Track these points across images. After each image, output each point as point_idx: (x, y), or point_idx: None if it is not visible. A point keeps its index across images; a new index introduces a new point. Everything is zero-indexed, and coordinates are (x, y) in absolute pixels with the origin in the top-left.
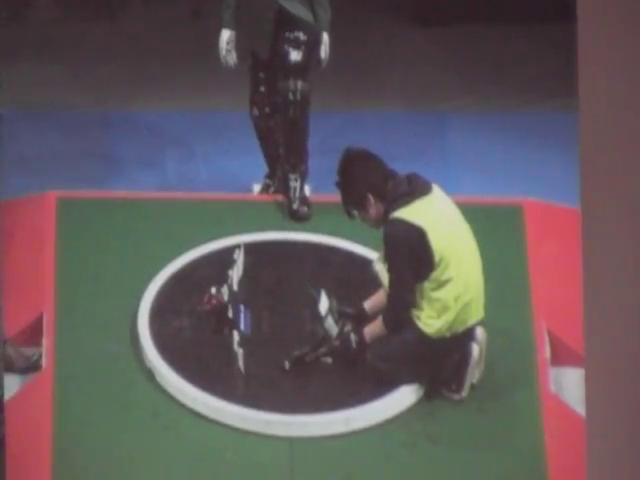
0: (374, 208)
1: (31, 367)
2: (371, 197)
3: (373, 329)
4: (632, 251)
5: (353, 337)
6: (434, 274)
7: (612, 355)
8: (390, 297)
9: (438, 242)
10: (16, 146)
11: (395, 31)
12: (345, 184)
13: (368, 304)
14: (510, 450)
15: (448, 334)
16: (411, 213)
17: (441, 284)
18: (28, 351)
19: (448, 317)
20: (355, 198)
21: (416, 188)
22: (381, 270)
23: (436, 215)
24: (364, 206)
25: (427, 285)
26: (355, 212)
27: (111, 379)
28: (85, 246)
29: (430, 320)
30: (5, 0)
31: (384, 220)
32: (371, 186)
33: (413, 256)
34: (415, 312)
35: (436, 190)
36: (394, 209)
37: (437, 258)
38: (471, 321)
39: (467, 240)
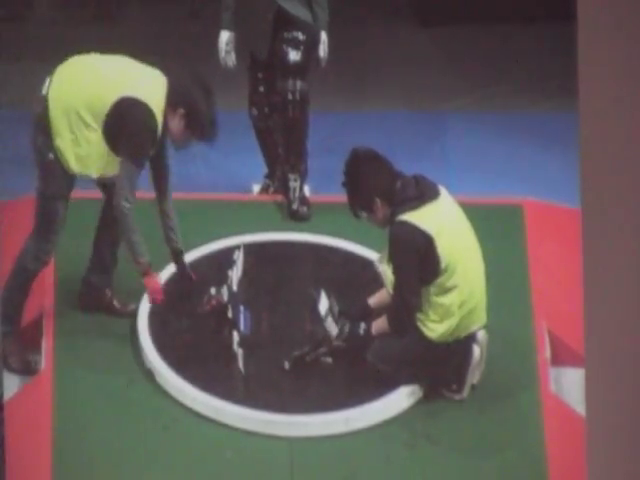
0: (381, 211)
1: (27, 371)
2: (378, 200)
3: (380, 324)
4: (632, 251)
5: (362, 325)
6: (439, 280)
7: (612, 355)
8: (395, 299)
9: (445, 249)
10: (16, 146)
11: (395, 31)
12: (352, 186)
13: (372, 300)
14: (510, 450)
15: (451, 339)
16: (419, 218)
17: (446, 290)
18: (29, 354)
19: (451, 323)
20: (362, 200)
21: (424, 192)
22: (384, 271)
23: (444, 221)
24: (371, 208)
25: (432, 290)
26: (362, 213)
27: (111, 379)
28: (85, 246)
29: (433, 325)
30: (5, 0)
31: (391, 221)
32: (378, 189)
33: (419, 260)
34: (418, 316)
35: (443, 194)
36: (402, 211)
37: (443, 265)
38: (474, 327)
39: (473, 247)
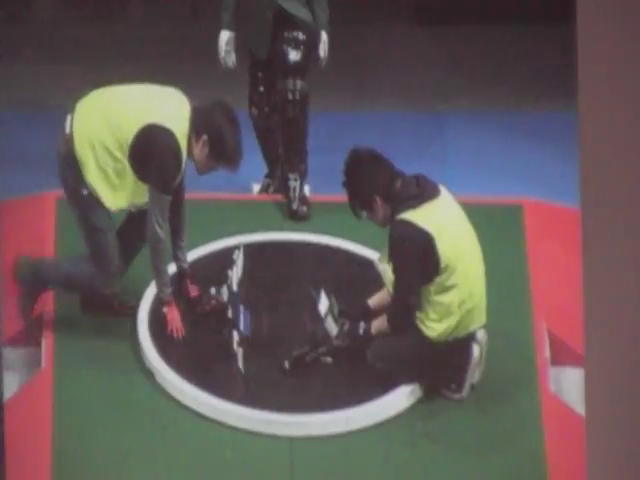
0: (381, 210)
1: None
2: (378, 199)
3: (379, 324)
4: (632, 251)
5: (362, 325)
6: (439, 279)
7: (612, 355)
8: (394, 299)
9: (445, 248)
10: (16, 146)
11: (395, 31)
12: (352, 186)
13: (372, 301)
14: (510, 450)
15: (450, 338)
16: (420, 217)
17: (446, 289)
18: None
19: (451, 322)
20: (362, 200)
21: (425, 191)
22: (384, 270)
23: (444, 220)
24: (371, 207)
25: (431, 289)
26: (363, 213)
27: (111, 379)
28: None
29: (432, 323)
30: (5, 0)
31: (391, 220)
32: (378, 188)
33: (419, 259)
34: (418, 314)
35: (444, 193)
36: (402, 210)
37: (443, 264)
38: (473, 327)
39: (473, 246)
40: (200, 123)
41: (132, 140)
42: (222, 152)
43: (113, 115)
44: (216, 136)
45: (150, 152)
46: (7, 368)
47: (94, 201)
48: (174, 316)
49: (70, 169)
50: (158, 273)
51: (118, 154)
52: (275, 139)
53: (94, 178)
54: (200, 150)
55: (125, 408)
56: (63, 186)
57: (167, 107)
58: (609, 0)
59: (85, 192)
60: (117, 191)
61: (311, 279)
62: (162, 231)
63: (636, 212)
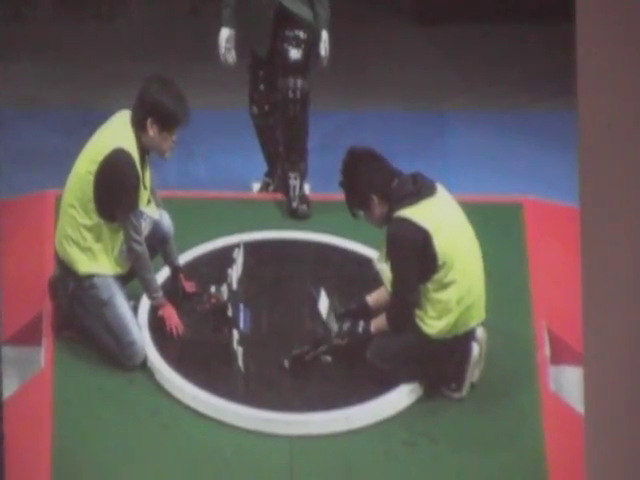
0: (378, 208)
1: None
2: (375, 198)
3: (379, 323)
4: (631, 250)
5: (361, 324)
6: (436, 276)
7: (611, 354)
8: (392, 296)
9: (442, 245)
10: (16, 145)
11: (395, 30)
12: (349, 185)
13: (371, 299)
14: (510, 449)
15: (449, 336)
16: (416, 214)
17: (444, 286)
18: None
19: (450, 319)
20: (359, 199)
21: (422, 188)
22: (382, 269)
23: (441, 217)
24: (368, 206)
25: (430, 286)
26: (360, 212)
27: (111, 378)
28: None
29: (431, 321)
30: (5, 0)
31: (388, 218)
32: (375, 187)
33: (416, 256)
34: (417, 312)
35: (441, 191)
36: (399, 208)
37: (440, 261)
38: (472, 323)
39: (471, 243)
40: (141, 111)
41: (94, 177)
42: (171, 119)
43: (71, 180)
44: (157, 109)
45: (105, 177)
46: (7, 368)
47: (86, 283)
48: (170, 314)
49: (65, 272)
50: (146, 282)
51: (84, 209)
52: (275, 138)
53: (72, 249)
54: (153, 134)
55: (125, 407)
56: (75, 299)
57: (108, 132)
58: (608, 0)
59: (73, 283)
60: (94, 255)
61: (311, 278)
62: (140, 246)
63: (636, 212)
